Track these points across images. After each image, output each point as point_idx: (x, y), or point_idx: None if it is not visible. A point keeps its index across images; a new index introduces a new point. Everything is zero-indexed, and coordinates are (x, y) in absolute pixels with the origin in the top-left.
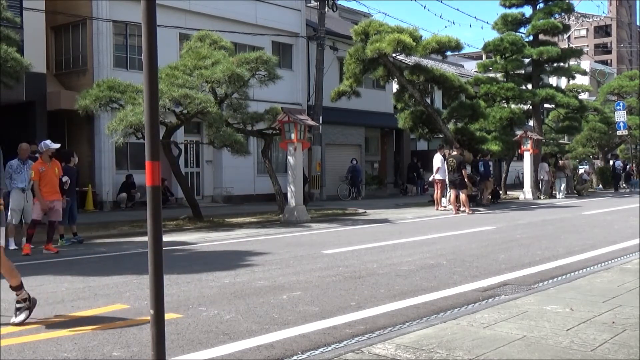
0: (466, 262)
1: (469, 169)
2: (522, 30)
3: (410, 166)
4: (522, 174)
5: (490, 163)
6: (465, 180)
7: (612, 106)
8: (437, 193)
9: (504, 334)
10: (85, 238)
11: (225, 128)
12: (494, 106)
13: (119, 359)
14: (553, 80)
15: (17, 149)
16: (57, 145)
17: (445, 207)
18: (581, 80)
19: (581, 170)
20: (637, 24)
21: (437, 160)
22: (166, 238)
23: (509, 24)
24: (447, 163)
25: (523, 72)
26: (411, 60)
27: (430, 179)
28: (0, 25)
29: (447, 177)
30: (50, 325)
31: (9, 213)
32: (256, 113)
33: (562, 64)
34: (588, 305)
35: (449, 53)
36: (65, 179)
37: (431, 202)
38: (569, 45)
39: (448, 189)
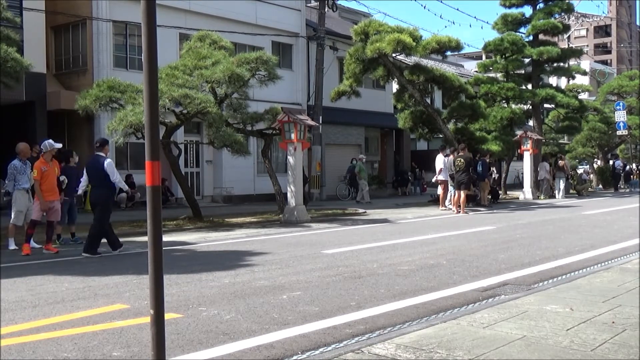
0: (466, 262)
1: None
2: (522, 30)
3: (397, 169)
4: (522, 174)
5: (491, 162)
6: (471, 180)
7: (612, 106)
8: (442, 193)
9: (504, 334)
10: (85, 238)
11: (225, 128)
12: (494, 106)
13: (119, 359)
14: (553, 80)
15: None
16: (59, 145)
17: (446, 207)
18: (581, 80)
19: (580, 170)
20: (637, 24)
21: (439, 161)
22: (166, 238)
23: (509, 24)
24: (454, 163)
25: (523, 72)
26: (411, 60)
27: (434, 179)
28: (0, 25)
29: (449, 177)
30: (50, 325)
31: (14, 214)
32: (256, 113)
33: (562, 64)
34: (588, 305)
35: (449, 53)
36: (62, 178)
37: (431, 202)
38: (569, 45)
39: (453, 189)
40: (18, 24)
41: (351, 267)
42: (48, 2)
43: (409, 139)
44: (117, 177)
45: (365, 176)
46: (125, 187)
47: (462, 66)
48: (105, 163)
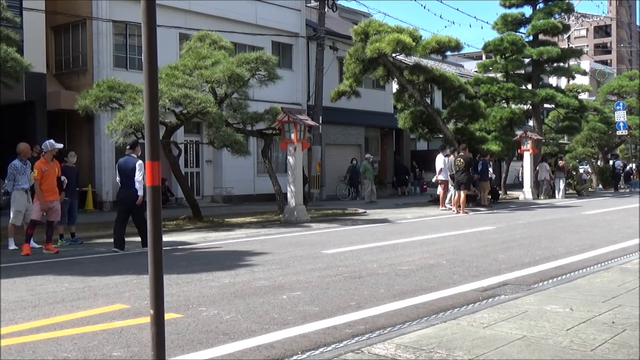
0: (466, 262)
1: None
2: (522, 30)
3: (397, 168)
4: (522, 174)
5: (490, 163)
6: (471, 180)
7: (612, 106)
8: (442, 193)
9: (503, 334)
10: (85, 238)
11: (225, 128)
12: (494, 106)
13: (119, 359)
14: (553, 80)
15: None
16: (60, 145)
17: (446, 207)
18: (581, 80)
19: (580, 170)
20: (637, 24)
21: (440, 161)
22: (166, 238)
23: (509, 24)
24: (454, 163)
25: (523, 72)
26: (411, 60)
27: (434, 179)
28: (0, 25)
29: (449, 177)
30: (50, 325)
31: (13, 214)
32: (256, 113)
33: (562, 64)
34: (588, 305)
35: (449, 53)
36: (62, 178)
37: (431, 202)
38: (569, 45)
39: (453, 189)
40: (18, 24)
41: (351, 267)
42: (48, 2)
43: (409, 139)
44: (140, 178)
45: (371, 176)
46: (140, 193)
47: (462, 66)
48: (137, 163)
